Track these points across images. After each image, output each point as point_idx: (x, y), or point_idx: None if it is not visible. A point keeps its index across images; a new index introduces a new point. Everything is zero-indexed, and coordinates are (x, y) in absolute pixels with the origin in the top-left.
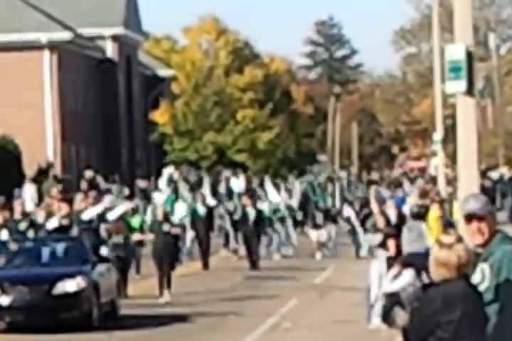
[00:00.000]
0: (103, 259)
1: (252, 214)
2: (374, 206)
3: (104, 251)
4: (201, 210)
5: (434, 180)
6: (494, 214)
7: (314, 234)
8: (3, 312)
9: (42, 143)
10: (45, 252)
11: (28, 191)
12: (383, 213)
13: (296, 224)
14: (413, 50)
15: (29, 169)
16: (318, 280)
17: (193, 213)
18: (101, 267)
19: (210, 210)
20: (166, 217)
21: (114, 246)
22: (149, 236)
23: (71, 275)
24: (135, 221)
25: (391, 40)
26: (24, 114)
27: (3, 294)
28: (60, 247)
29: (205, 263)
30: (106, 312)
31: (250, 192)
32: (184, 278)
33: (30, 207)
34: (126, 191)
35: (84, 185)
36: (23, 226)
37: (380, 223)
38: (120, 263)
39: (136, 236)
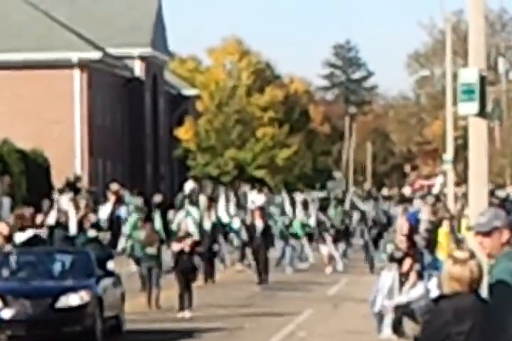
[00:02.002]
0: (109, 273)
1: (260, 227)
2: (404, 227)
3: (110, 264)
4: (207, 225)
5: (437, 198)
6: (502, 230)
7: (325, 248)
8: (5, 326)
9: (70, 157)
10: (50, 265)
11: (65, 202)
12: (409, 236)
13: (312, 240)
14: (426, 74)
15: (58, 181)
16: (332, 292)
17: (199, 228)
18: (106, 281)
19: (214, 225)
20: (189, 232)
21: (148, 257)
22: (188, 243)
23: (75, 289)
24: (141, 234)
25: (405, 64)
26: (54, 129)
27: (5, 307)
28: (65, 260)
29: (207, 277)
30: (110, 327)
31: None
32: (197, 291)
33: (64, 217)
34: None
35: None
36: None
37: (403, 245)
38: (153, 275)
39: (175, 247)
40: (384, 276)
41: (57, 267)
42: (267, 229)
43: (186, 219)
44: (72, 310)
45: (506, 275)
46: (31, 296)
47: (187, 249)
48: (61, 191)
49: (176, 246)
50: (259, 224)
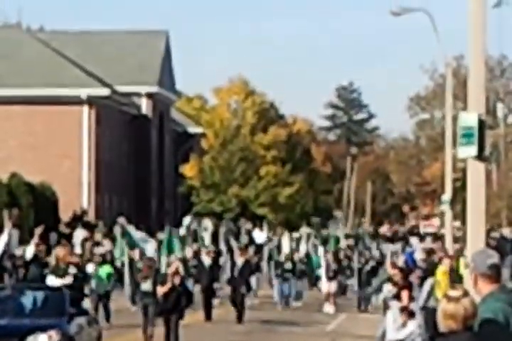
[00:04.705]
0: (83, 312)
1: (239, 265)
2: (388, 264)
3: (85, 302)
4: (206, 261)
5: (436, 237)
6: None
7: (325, 286)
8: None
9: (78, 191)
10: (20, 302)
11: (80, 236)
12: (396, 266)
13: (302, 276)
14: (426, 116)
15: (64, 215)
16: (330, 328)
17: (199, 263)
18: (79, 320)
19: (214, 261)
20: (177, 270)
21: (143, 294)
22: (168, 285)
23: (44, 328)
24: (103, 270)
25: (406, 106)
26: (62, 164)
27: None
28: (36, 297)
29: (208, 314)
30: None
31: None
32: (196, 326)
33: (78, 251)
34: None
35: (117, 231)
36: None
37: (397, 278)
38: (148, 312)
39: (160, 290)
40: (388, 316)
41: (27, 304)
42: (245, 267)
43: (177, 260)
44: None
45: (490, 314)
46: None
47: (169, 285)
48: (69, 225)
49: (160, 290)
50: (239, 262)
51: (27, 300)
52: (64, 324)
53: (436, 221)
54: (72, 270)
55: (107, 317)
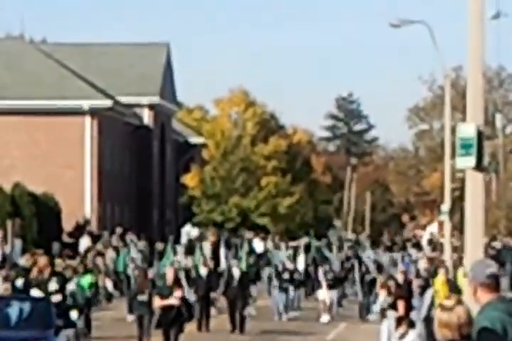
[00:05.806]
0: (71, 324)
1: (236, 274)
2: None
3: (73, 314)
4: (203, 271)
5: (435, 247)
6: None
7: (322, 295)
8: None
9: (80, 201)
10: (5, 313)
11: (85, 245)
12: (392, 277)
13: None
14: (425, 127)
15: (67, 225)
16: (330, 337)
17: (196, 273)
18: (67, 332)
19: (211, 271)
20: (177, 281)
21: (140, 304)
22: (172, 301)
23: None
24: (85, 280)
25: (405, 117)
26: (65, 174)
27: None
28: (23, 308)
29: (199, 325)
30: None
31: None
32: (196, 337)
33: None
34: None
35: (115, 240)
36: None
37: (391, 287)
38: (144, 322)
39: (157, 303)
40: (384, 325)
41: (13, 316)
42: (244, 277)
43: (171, 268)
44: None
45: (488, 323)
46: None
47: (173, 302)
48: (72, 234)
49: (158, 303)
50: (235, 271)
51: (13, 311)
52: (51, 336)
53: (433, 227)
54: (53, 286)
55: (88, 329)
